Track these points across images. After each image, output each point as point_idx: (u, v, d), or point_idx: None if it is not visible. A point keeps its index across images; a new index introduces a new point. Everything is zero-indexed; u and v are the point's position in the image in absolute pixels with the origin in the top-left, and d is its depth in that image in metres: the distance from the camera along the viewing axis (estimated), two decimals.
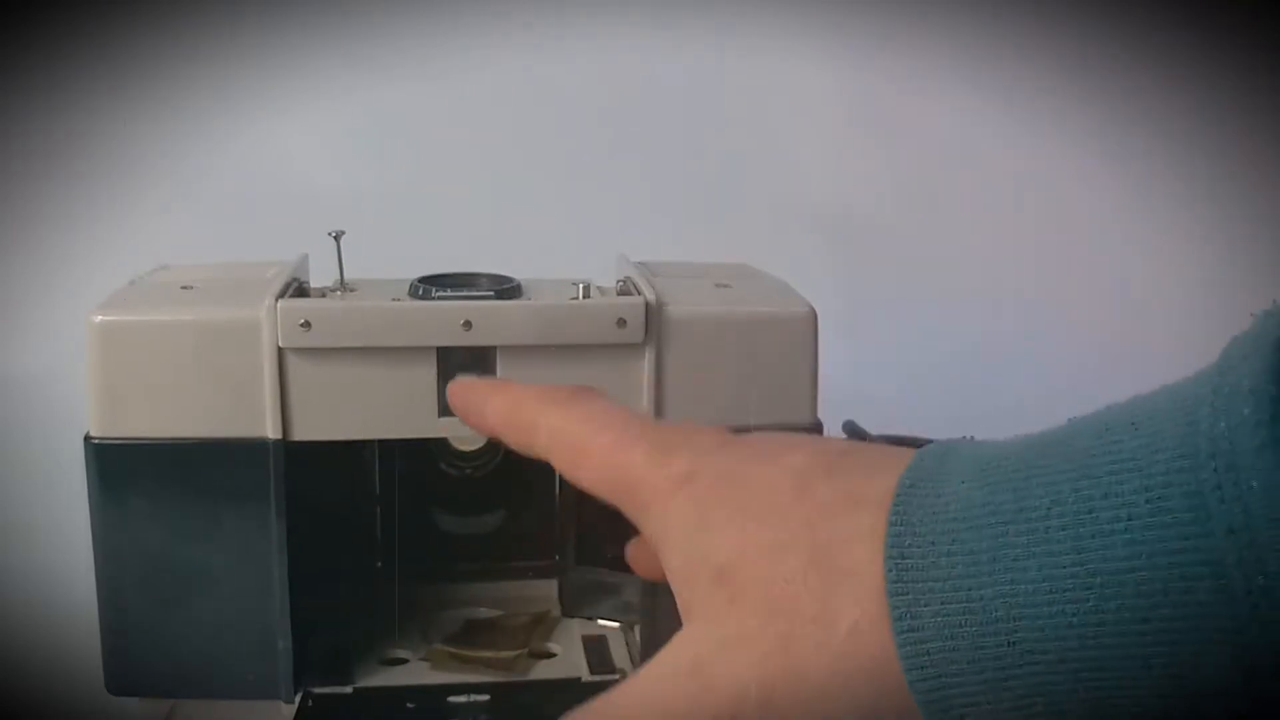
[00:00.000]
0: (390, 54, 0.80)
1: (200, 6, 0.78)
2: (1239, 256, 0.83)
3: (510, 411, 0.36)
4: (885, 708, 0.27)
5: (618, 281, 0.48)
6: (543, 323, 0.44)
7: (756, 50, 0.82)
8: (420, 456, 0.52)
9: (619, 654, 0.50)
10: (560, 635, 0.51)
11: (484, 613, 0.53)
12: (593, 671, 0.48)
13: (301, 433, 0.43)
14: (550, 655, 0.50)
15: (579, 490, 0.33)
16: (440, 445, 0.52)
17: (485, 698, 0.45)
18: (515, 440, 0.36)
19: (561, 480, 0.47)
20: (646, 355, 0.45)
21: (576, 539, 0.53)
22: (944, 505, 0.27)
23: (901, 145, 0.86)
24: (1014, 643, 0.25)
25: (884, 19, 0.82)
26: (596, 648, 0.50)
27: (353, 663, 0.48)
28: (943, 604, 0.26)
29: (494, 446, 0.52)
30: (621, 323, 0.44)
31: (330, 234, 0.46)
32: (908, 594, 0.26)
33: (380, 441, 0.50)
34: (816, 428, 0.46)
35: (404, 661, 0.48)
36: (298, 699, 0.45)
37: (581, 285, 0.45)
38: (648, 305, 0.44)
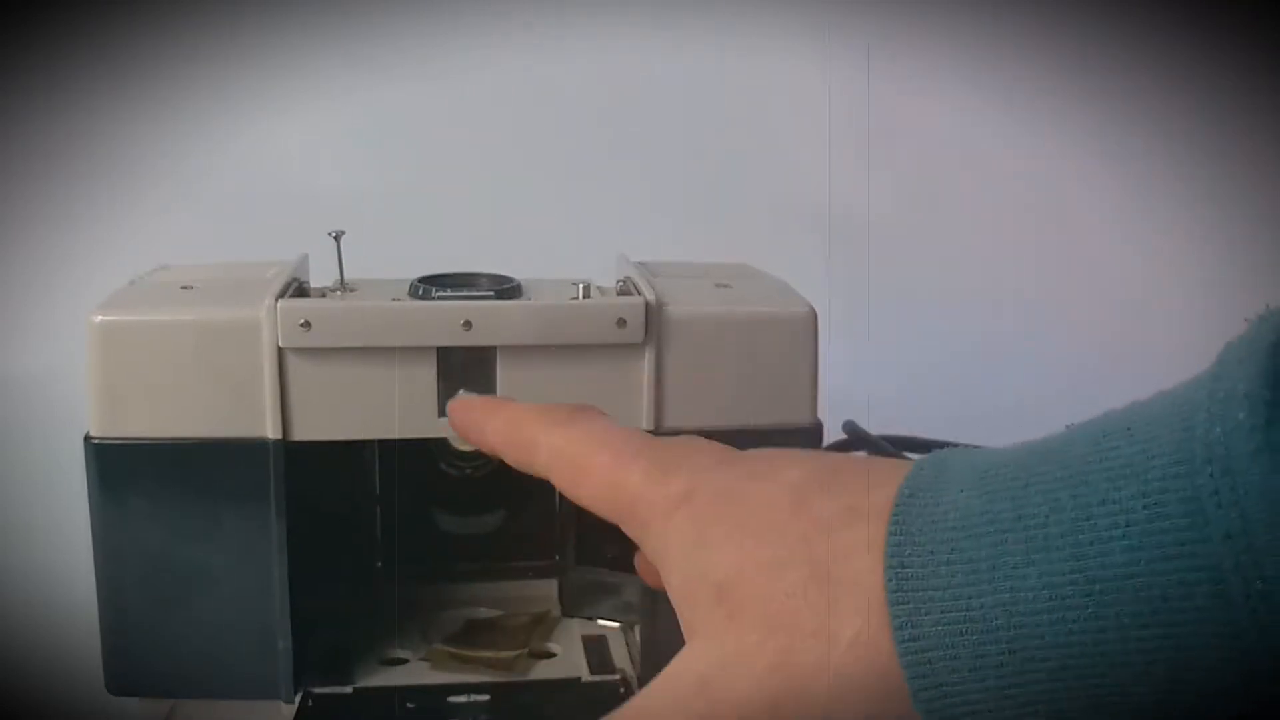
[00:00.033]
0: (390, 54, 0.80)
1: (200, 6, 0.78)
2: (1239, 256, 0.83)
3: (510, 430, 0.36)
4: (889, 717, 0.27)
5: (618, 281, 0.48)
6: (543, 323, 0.44)
7: (756, 50, 0.82)
8: (420, 456, 0.52)
9: (619, 654, 0.50)
10: (560, 635, 0.51)
11: (484, 613, 0.52)
12: (593, 671, 0.48)
13: (301, 433, 0.43)
14: (550, 655, 0.50)
15: None
16: (440, 445, 0.52)
17: (485, 698, 0.45)
18: (515, 458, 0.36)
19: None
20: (646, 355, 0.45)
21: (576, 539, 0.53)
22: (943, 514, 0.27)
23: (901, 145, 0.86)
24: (1015, 650, 0.25)
25: (884, 19, 0.82)
26: (596, 648, 0.50)
27: (353, 663, 0.48)
28: (943, 613, 0.26)
29: None
30: (621, 323, 0.44)
31: (330, 234, 0.46)
32: (908, 603, 0.26)
33: (380, 441, 0.50)
34: (816, 428, 0.46)
35: (404, 661, 0.48)
36: (298, 699, 0.45)
37: (581, 285, 0.45)
38: (648, 305, 0.44)
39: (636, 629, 0.49)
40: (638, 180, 0.83)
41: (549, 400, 0.44)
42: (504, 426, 0.37)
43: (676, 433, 0.42)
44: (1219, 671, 0.23)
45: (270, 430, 0.43)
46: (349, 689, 0.46)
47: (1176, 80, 0.82)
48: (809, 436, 0.46)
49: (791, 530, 0.29)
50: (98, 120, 0.77)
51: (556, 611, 0.53)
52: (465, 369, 0.44)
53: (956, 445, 0.31)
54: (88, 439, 0.43)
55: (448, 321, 0.43)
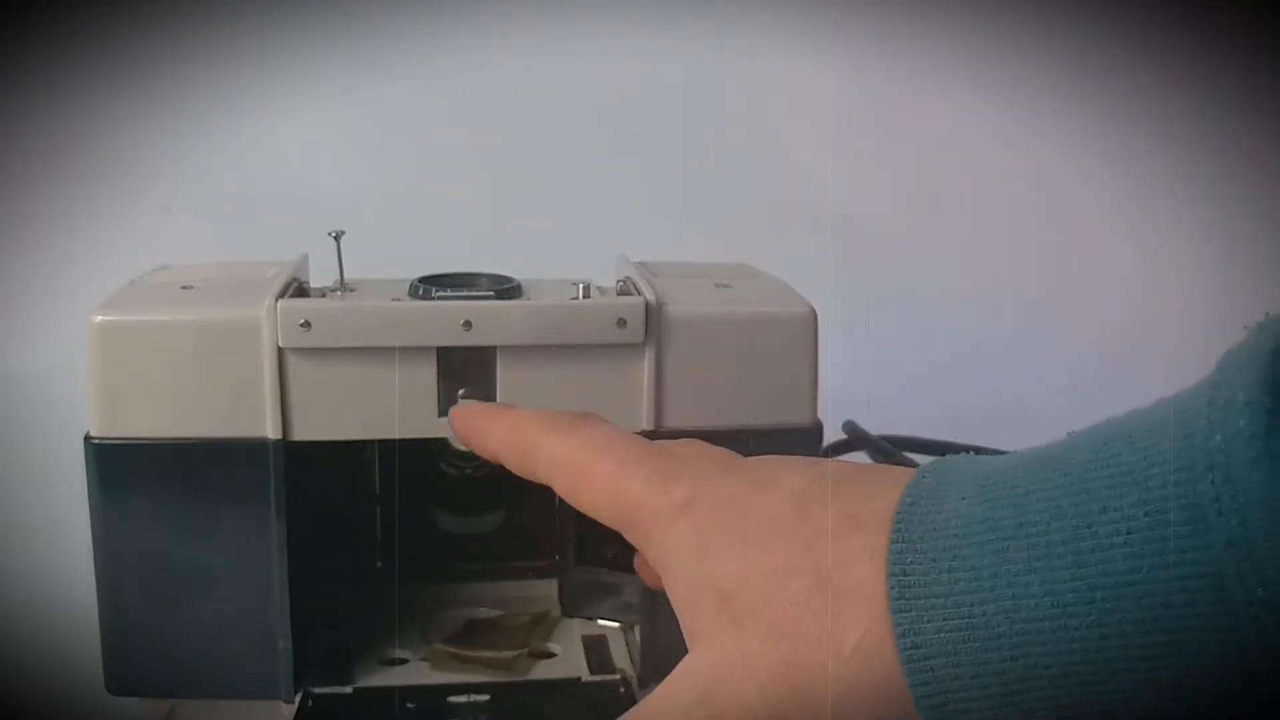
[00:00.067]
0: (390, 54, 0.80)
1: (200, 6, 0.78)
2: (1239, 256, 0.83)
3: (512, 437, 0.36)
4: None
5: (618, 281, 0.48)
6: (543, 323, 0.44)
7: (756, 50, 0.82)
8: (420, 456, 0.52)
9: (619, 654, 0.50)
10: (560, 635, 0.51)
11: (484, 613, 0.52)
12: (593, 671, 0.48)
13: (301, 433, 0.43)
14: (550, 655, 0.50)
15: None
16: (440, 445, 0.52)
17: (485, 697, 0.45)
18: (517, 465, 0.36)
19: None
20: (646, 355, 0.45)
21: (576, 539, 0.53)
22: (944, 522, 0.27)
23: (901, 145, 0.86)
24: (1017, 657, 0.25)
25: (884, 19, 0.82)
26: (596, 647, 0.50)
27: (353, 662, 0.48)
28: (945, 620, 0.26)
29: None
30: (622, 323, 0.44)
31: (330, 234, 0.46)
32: (910, 611, 0.26)
33: (380, 441, 0.50)
34: (816, 428, 0.46)
35: (404, 661, 0.48)
36: (297, 699, 0.45)
37: (581, 285, 0.45)
38: (648, 305, 0.44)
39: (636, 629, 0.49)
40: (638, 180, 0.83)
41: (549, 400, 0.44)
42: (505, 433, 0.37)
43: (677, 433, 0.42)
44: (1221, 677, 0.23)
45: (270, 430, 0.43)
46: (349, 689, 0.46)
47: (1176, 80, 0.83)
48: (809, 436, 0.46)
49: (794, 538, 0.29)
50: (98, 120, 0.77)
51: (556, 611, 0.53)
52: (465, 369, 0.44)
53: (956, 445, 0.31)
54: (88, 439, 0.43)
55: (448, 321, 0.43)
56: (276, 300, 0.43)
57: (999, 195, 0.87)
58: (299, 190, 0.79)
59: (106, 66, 0.77)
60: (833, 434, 0.62)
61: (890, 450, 0.64)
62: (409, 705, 0.45)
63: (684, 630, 0.31)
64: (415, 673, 0.48)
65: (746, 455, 0.34)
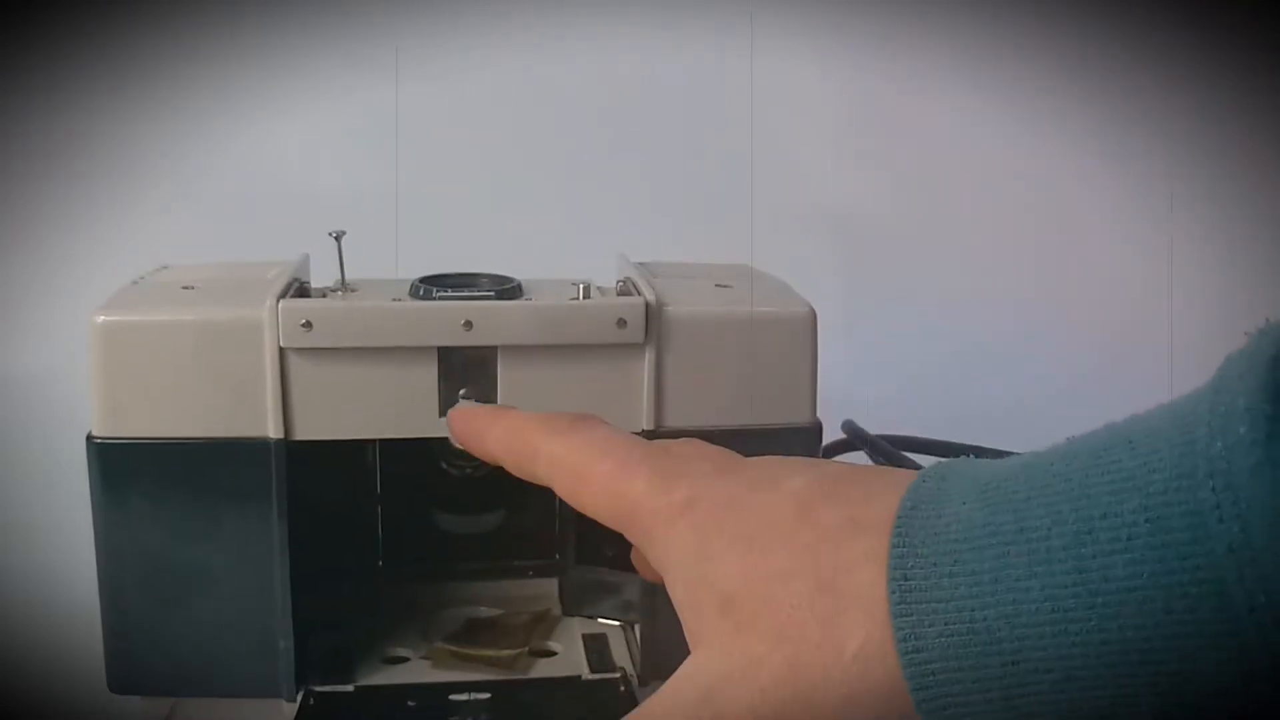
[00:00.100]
0: (390, 54, 0.80)
1: (200, 6, 0.78)
2: (1239, 256, 0.83)
3: (511, 439, 0.36)
4: None
5: (618, 281, 0.48)
6: (543, 323, 0.44)
7: (756, 50, 0.82)
8: (421, 456, 0.52)
9: (619, 652, 0.50)
10: (560, 634, 0.51)
11: (484, 611, 0.53)
12: (593, 670, 0.48)
13: (303, 432, 0.43)
14: (551, 654, 0.50)
15: None
16: (441, 445, 0.52)
17: (486, 696, 0.45)
18: (516, 467, 0.36)
19: None
20: (646, 355, 0.45)
21: (576, 538, 0.53)
22: (945, 526, 0.27)
23: (901, 145, 0.86)
24: (1018, 662, 0.25)
25: (884, 19, 0.82)
26: (597, 646, 0.50)
27: (354, 661, 0.48)
28: (946, 625, 0.26)
29: None
30: (622, 323, 0.44)
31: (331, 234, 0.46)
32: (911, 615, 0.26)
33: (381, 441, 0.50)
34: (816, 428, 0.47)
35: (405, 660, 0.49)
36: (299, 697, 0.45)
37: (581, 285, 0.45)
38: (648, 305, 0.44)
39: (636, 627, 0.49)
40: (638, 180, 0.83)
41: (549, 399, 0.44)
42: (504, 435, 0.37)
43: (676, 433, 0.42)
44: (1222, 682, 0.23)
45: (272, 430, 0.43)
46: (350, 687, 0.46)
47: (1176, 80, 0.83)
48: (808, 436, 0.46)
49: (796, 541, 0.29)
50: (98, 120, 0.77)
51: (557, 610, 0.53)
52: (466, 369, 0.44)
53: (955, 445, 0.31)
54: (90, 438, 0.43)
55: (448, 321, 0.43)
56: (278, 300, 0.43)
57: (999, 195, 0.87)
58: (299, 190, 0.79)
59: (106, 66, 0.77)
60: (832, 434, 0.62)
61: (890, 450, 0.64)
62: (410, 704, 0.45)
63: (685, 631, 0.31)
64: (416, 671, 0.48)
65: (746, 455, 0.34)
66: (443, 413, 0.44)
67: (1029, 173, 0.86)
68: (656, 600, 0.45)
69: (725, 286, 0.49)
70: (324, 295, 0.45)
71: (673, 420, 0.45)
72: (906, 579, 0.27)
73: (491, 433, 0.37)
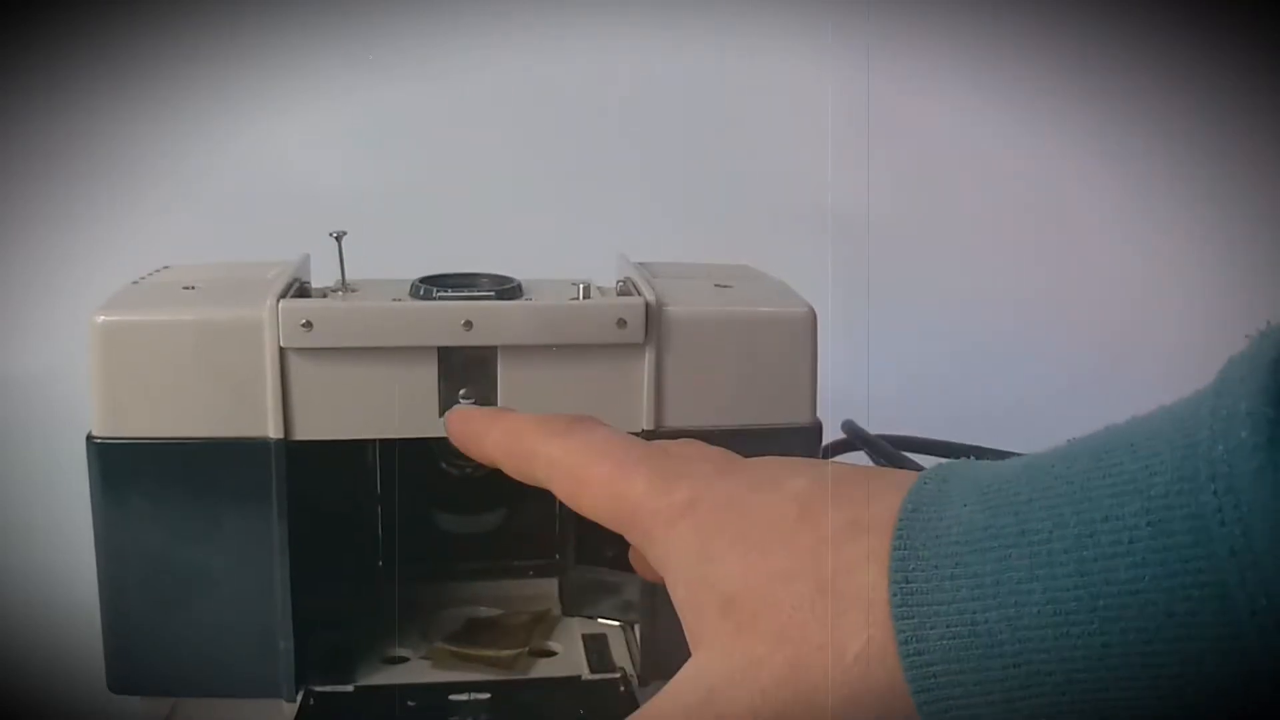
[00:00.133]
0: (390, 54, 0.80)
1: (200, 6, 0.78)
2: (1239, 256, 0.83)
3: (509, 441, 0.36)
4: None
5: (618, 281, 0.48)
6: (543, 323, 0.44)
7: (756, 50, 0.82)
8: (421, 456, 0.52)
9: (619, 652, 0.50)
10: (560, 634, 0.51)
11: (484, 611, 0.53)
12: (593, 670, 0.48)
13: (303, 432, 0.43)
14: (550, 654, 0.50)
15: None
16: (441, 445, 0.52)
17: (486, 696, 0.45)
18: (515, 469, 0.36)
19: None
20: (646, 355, 0.45)
21: (576, 538, 0.53)
22: (946, 529, 0.27)
23: (901, 145, 0.86)
24: (1019, 665, 0.25)
25: (884, 19, 0.82)
26: (596, 646, 0.50)
27: (354, 661, 0.48)
28: (948, 627, 0.26)
29: None
30: (622, 323, 0.44)
31: (331, 234, 0.46)
32: (913, 618, 0.26)
33: (381, 441, 0.50)
34: (816, 428, 0.47)
35: (405, 660, 0.49)
36: (299, 697, 0.45)
37: (581, 285, 0.45)
38: (648, 305, 0.44)
39: (636, 627, 0.49)
40: (638, 180, 0.83)
41: (549, 399, 0.44)
42: (503, 438, 0.37)
43: (676, 433, 0.42)
44: (1223, 685, 0.23)
45: (272, 430, 0.43)
46: (350, 688, 0.46)
47: (1176, 80, 0.83)
48: (808, 436, 0.46)
49: (797, 543, 0.29)
50: (98, 120, 0.77)
51: (557, 610, 0.53)
52: (466, 369, 0.44)
53: (955, 445, 0.31)
54: (90, 438, 0.43)
55: (448, 321, 0.43)
56: (278, 300, 0.43)
57: (999, 195, 0.87)
58: (299, 190, 0.79)
59: (106, 66, 0.77)
60: (832, 434, 0.62)
61: (890, 450, 0.64)
62: (410, 704, 0.45)
63: (686, 632, 0.31)
64: (416, 671, 0.48)
65: (746, 455, 0.34)
66: (443, 413, 0.44)
67: (1029, 173, 0.86)
68: (656, 600, 0.45)
69: (725, 286, 0.49)
70: (324, 295, 0.45)
71: (673, 420, 0.45)
72: (908, 581, 0.27)
73: (490, 435, 0.37)
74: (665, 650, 0.45)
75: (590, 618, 0.53)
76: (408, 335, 0.43)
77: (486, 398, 0.44)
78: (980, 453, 0.31)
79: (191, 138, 0.78)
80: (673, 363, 0.45)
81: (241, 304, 0.43)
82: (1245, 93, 0.82)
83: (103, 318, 0.42)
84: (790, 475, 0.31)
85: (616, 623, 0.52)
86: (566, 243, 0.76)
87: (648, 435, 0.45)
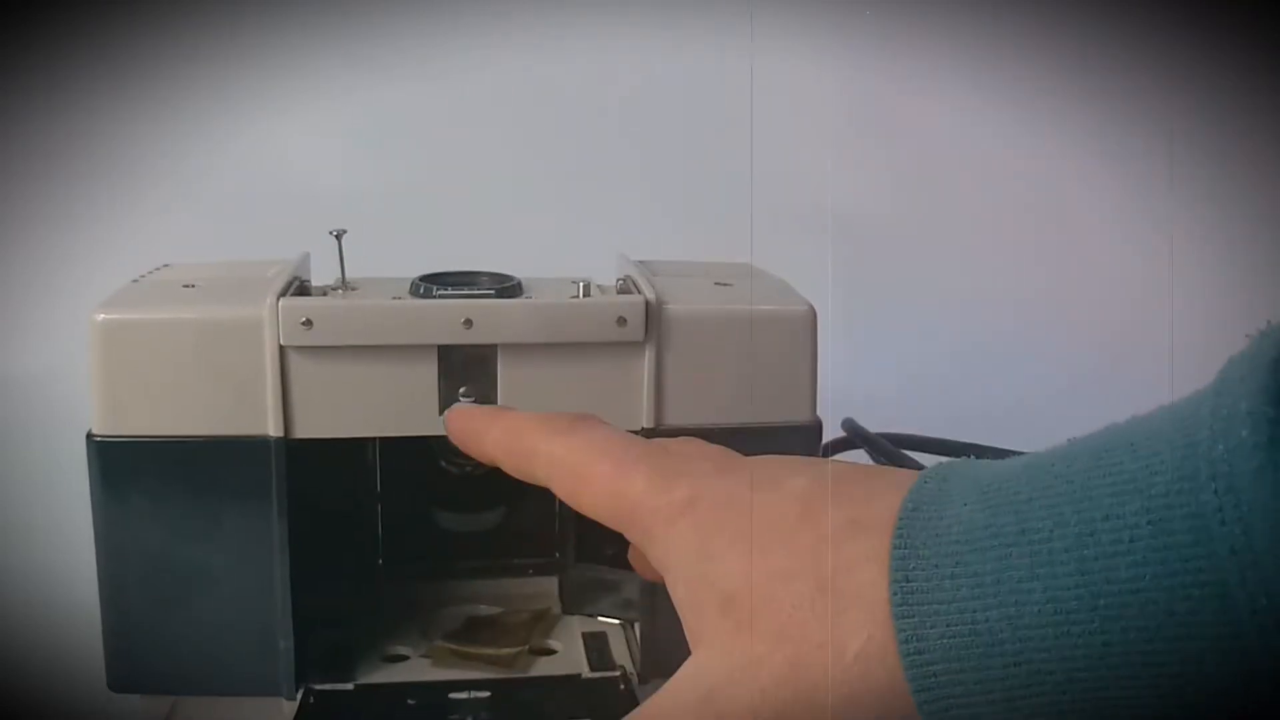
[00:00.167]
0: (390, 54, 0.80)
1: (200, 6, 0.78)
2: (1239, 256, 0.83)
3: (509, 440, 0.36)
4: None
5: (618, 280, 0.48)
6: (543, 321, 0.44)
7: (757, 50, 0.82)
8: (421, 454, 0.52)
9: (619, 651, 0.50)
10: (560, 632, 0.51)
11: (484, 610, 0.53)
12: (593, 668, 0.48)
13: (303, 431, 0.43)
14: (550, 652, 0.50)
15: None
16: (441, 443, 0.52)
17: (486, 694, 0.45)
18: (515, 468, 0.36)
19: None
20: (647, 353, 0.45)
21: (576, 536, 0.53)
22: (946, 528, 0.27)
23: (901, 145, 0.86)
24: (1020, 664, 0.25)
25: (884, 19, 0.82)
26: (596, 644, 0.50)
27: (354, 659, 0.48)
28: (948, 626, 0.26)
29: None
30: (622, 321, 0.44)
31: (332, 232, 0.46)
32: (913, 617, 0.26)
33: (381, 439, 0.50)
34: (816, 427, 0.47)
35: (405, 658, 0.49)
36: (299, 696, 0.45)
37: (581, 284, 0.45)
38: (648, 304, 0.44)
39: (636, 626, 0.49)
40: (638, 180, 0.83)
41: (549, 398, 0.44)
42: (503, 436, 0.37)
43: (676, 431, 0.42)
44: (1224, 684, 0.23)
45: (272, 428, 0.43)
46: (350, 686, 0.46)
47: (1176, 80, 0.83)
48: (808, 435, 0.46)
49: (798, 541, 0.29)
50: (98, 120, 0.78)
51: (557, 608, 0.53)
52: (466, 367, 0.44)
53: (955, 444, 0.31)
54: (90, 437, 0.43)
55: (449, 320, 0.43)
56: (278, 299, 0.43)
57: (999, 195, 0.87)
58: (299, 190, 0.79)
59: (106, 66, 0.77)
60: (832, 433, 0.62)
61: (890, 449, 0.64)
62: (410, 702, 0.45)
63: (686, 631, 0.31)
64: (416, 670, 0.48)
65: (746, 453, 0.34)
66: (443, 411, 0.44)
67: (1029, 173, 0.86)
68: (656, 599, 0.45)
69: (725, 285, 0.49)
70: (324, 294, 0.45)
71: (673, 418, 0.45)
72: (908, 580, 0.27)
73: (489, 434, 0.37)
74: (665, 649, 0.45)
75: (590, 616, 0.53)
76: (408, 333, 0.43)
77: (486, 396, 0.44)
78: (980, 452, 0.31)
79: (191, 138, 0.78)
80: (673, 361, 0.45)
81: (241, 302, 0.43)
82: (1245, 93, 0.83)
83: (103, 316, 0.42)
84: (790, 474, 0.31)
85: (616, 621, 0.52)
86: (566, 242, 0.76)
87: (648, 433, 0.45)
